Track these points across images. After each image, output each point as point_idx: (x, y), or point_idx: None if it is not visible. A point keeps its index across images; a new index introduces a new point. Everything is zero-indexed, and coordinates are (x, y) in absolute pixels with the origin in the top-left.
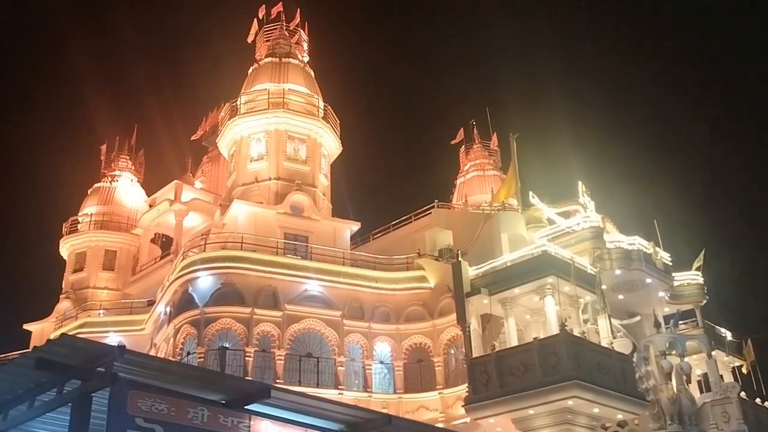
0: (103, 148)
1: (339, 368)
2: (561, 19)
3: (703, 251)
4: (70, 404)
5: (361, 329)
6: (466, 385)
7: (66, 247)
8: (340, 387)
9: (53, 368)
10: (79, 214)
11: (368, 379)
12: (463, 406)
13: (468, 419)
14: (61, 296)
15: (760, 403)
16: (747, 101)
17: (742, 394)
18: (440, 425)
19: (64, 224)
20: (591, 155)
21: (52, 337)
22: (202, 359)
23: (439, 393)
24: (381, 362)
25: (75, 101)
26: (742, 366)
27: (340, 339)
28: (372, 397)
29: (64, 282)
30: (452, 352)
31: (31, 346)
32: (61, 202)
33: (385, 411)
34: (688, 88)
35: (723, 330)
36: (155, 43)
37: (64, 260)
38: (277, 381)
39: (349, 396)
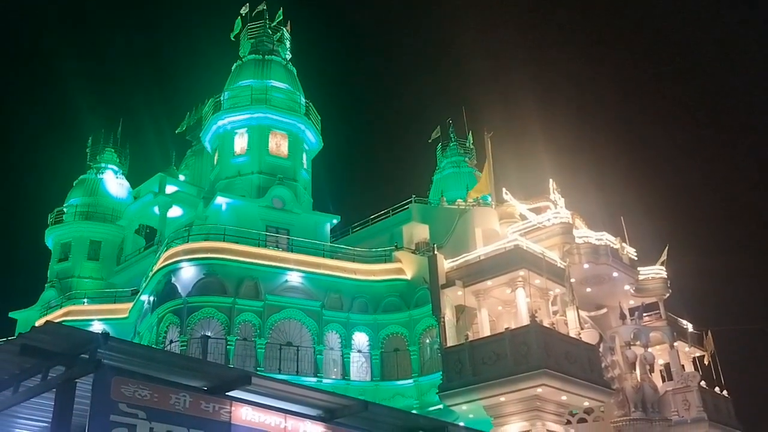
0: (89, 140)
1: (318, 356)
2: (531, 24)
3: (666, 247)
4: (54, 390)
5: (339, 319)
6: (441, 373)
7: (51, 237)
8: (318, 375)
9: (38, 355)
10: (65, 205)
11: (346, 367)
12: (437, 393)
13: (442, 406)
14: (46, 285)
15: (719, 392)
16: (708, 103)
17: (702, 383)
18: (415, 412)
19: (49, 215)
20: (562, 154)
21: (36, 324)
22: (184, 347)
23: (415, 381)
24: (359, 351)
25: (62, 95)
26: (702, 356)
27: (320, 328)
28: (350, 384)
29: (49, 271)
30: (427, 341)
31: (17, 334)
32: (48, 193)
33: (362, 398)
34: (652, 89)
35: (685, 322)
36: (141, 37)
37: (50, 250)
38: (258, 369)
39: (327, 383)
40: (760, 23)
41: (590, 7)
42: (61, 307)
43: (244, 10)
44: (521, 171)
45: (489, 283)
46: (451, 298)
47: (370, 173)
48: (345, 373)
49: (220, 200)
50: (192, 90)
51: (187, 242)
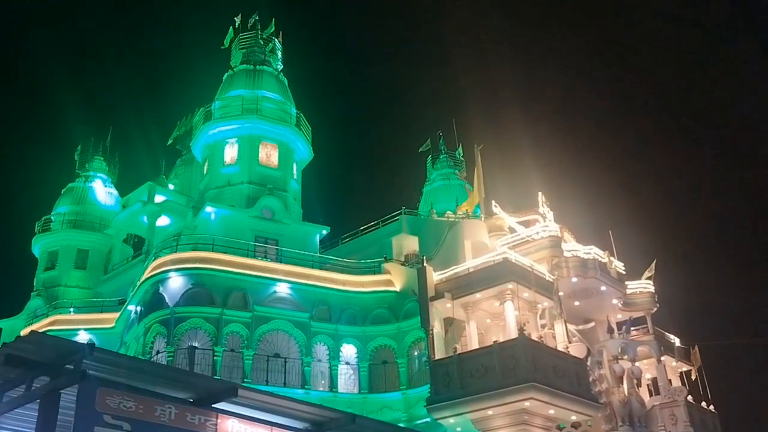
0: (78, 148)
1: (306, 368)
2: (522, 38)
3: (654, 262)
4: (38, 400)
5: (328, 331)
6: (429, 385)
7: (38, 246)
8: (306, 387)
9: (22, 365)
10: (53, 213)
11: (334, 379)
12: (425, 406)
13: (429, 419)
14: (32, 294)
15: (706, 407)
16: (698, 116)
17: (689, 397)
18: (403, 425)
19: (37, 223)
20: (551, 168)
21: (21, 334)
22: (171, 358)
23: (403, 393)
24: (347, 363)
25: (51, 102)
26: (689, 371)
27: (308, 340)
28: (337, 396)
29: (35, 280)
30: (416, 354)
31: (1, 344)
32: (35, 201)
33: (349, 410)
34: (641, 103)
35: (672, 336)
36: (132, 45)
37: (37, 258)
38: (245, 380)
39: (315, 396)
40: (758, 41)
41: (580, 22)
42: (47, 317)
43: (236, 21)
44: (511, 184)
45: (478, 295)
46: (440, 310)
47: (360, 184)
48: (333, 385)
49: (209, 210)
50: (183, 99)
51: (176, 252)
